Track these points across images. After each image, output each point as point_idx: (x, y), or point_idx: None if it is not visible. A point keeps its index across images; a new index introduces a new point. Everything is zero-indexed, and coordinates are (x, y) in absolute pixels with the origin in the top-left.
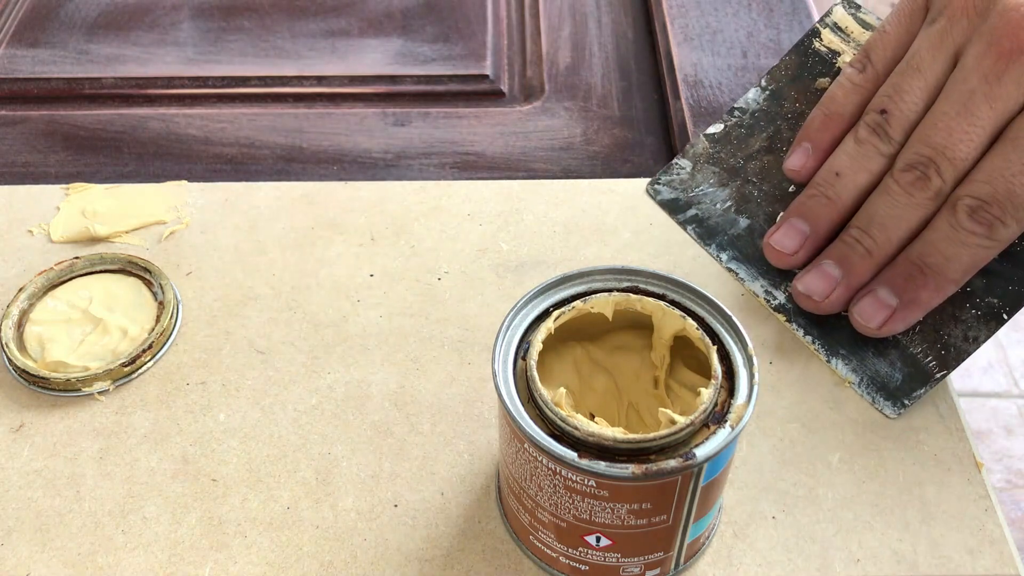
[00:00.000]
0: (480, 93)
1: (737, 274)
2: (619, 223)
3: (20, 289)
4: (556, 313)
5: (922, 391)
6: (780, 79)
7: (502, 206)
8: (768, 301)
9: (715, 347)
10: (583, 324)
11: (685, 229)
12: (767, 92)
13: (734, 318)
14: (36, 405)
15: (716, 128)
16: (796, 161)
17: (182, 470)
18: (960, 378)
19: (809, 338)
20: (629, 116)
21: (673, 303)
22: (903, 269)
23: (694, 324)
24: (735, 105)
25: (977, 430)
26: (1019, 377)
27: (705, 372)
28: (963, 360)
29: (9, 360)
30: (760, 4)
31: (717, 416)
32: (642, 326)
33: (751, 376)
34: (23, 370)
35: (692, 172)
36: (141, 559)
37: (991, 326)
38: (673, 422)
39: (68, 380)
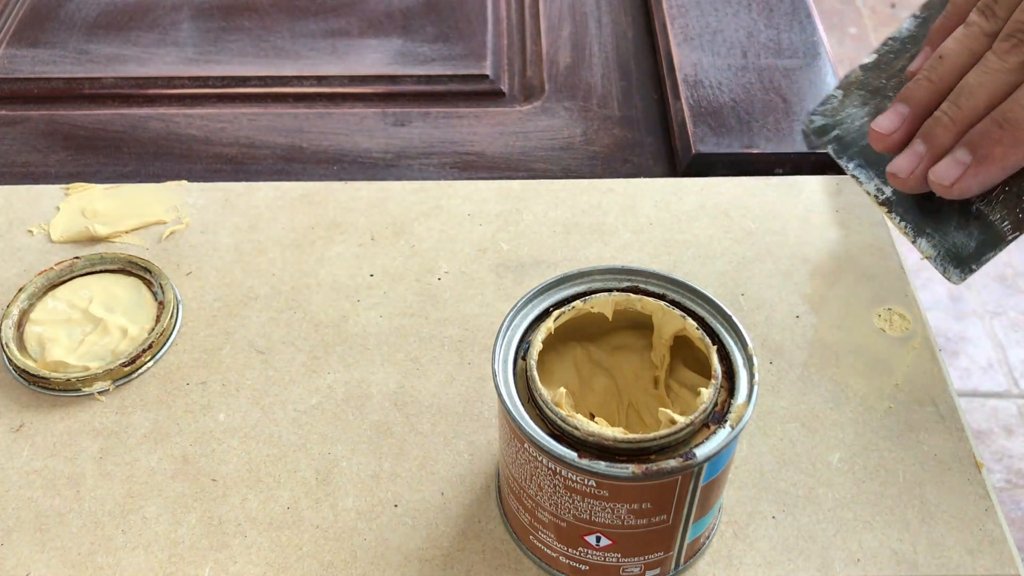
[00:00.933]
0: (480, 93)
1: (858, 178)
2: (619, 223)
3: (20, 289)
4: (556, 313)
5: (991, 253)
6: (933, 6)
7: (502, 206)
8: (877, 197)
9: (715, 347)
10: (583, 324)
11: (826, 149)
12: (919, 20)
13: (734, 318)
14: (36, 405)
15: (870, 58)
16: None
17: (182, 470)
18: (960, 378)
19: (903, 223)
20: (629, 116)
21: (673, 303)
22: (982, 127)
23: (694, 324)
24: (889, 35)
25: (977, 430)
26: (1019, 377)
27: (705, 372)
28: None
29: (9, 360)
30: (760, 4)
31: (717, 416)
32: (642, 326)
33: (751, 376)
34: (23, 370)
35: (842, 99)
36: (141, 559)
37: None
38: (673, 422)
39: (68, 380)
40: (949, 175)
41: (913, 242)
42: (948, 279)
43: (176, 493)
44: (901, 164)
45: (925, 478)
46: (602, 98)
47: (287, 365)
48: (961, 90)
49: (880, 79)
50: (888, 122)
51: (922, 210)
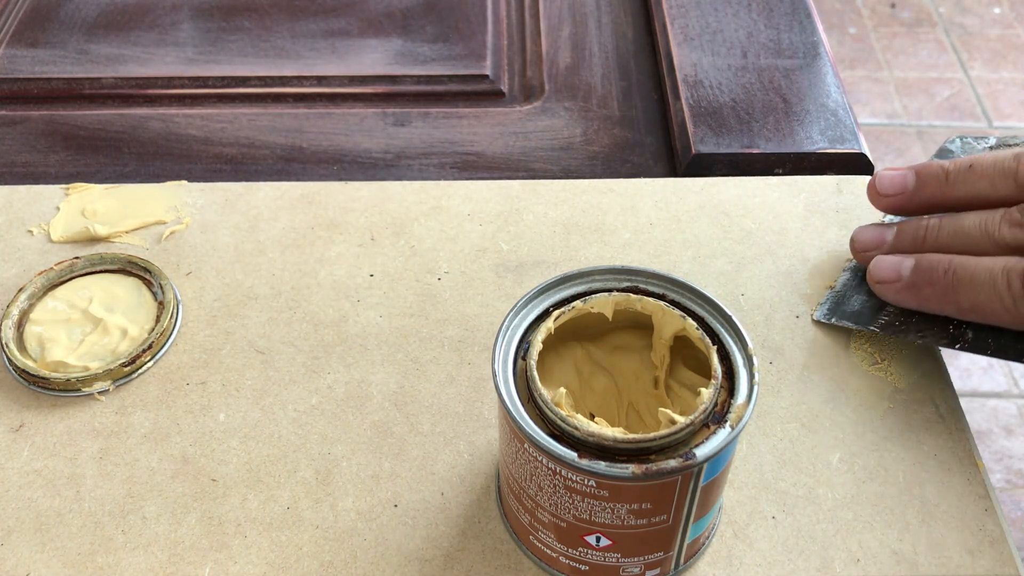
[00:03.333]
0: (480, 93)
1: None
2: (619, 223)
3: (20, 289)
4: (556, 313)
5: (851, 325)
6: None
7: (502, 206)
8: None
9: (715, 347)
10: (583, 324)
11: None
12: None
13: (734, 318)
14: (36, 405)
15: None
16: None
17: (182, 470)
18: (960, 378)
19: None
20: (629, 116)
21: (673, 303)
22: (935, 261)
23: (694, 324)
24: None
25: (977, 430)
26: (1019, 377)
27: (705, 372)
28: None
29: (9, 360)
30: (760, 4)
31: (717, 416)
32: (642, 326)
33: (751, 376)
34: (23, 370)
35: (988, 149)
36: (141, 559)
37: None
38: (673, 422)
39: (68, 380)
40: (881, 274)
41: (842, 271)
42: (813, 312)
43: (176, 493)
44: (865, 237)
45: (925, 478)
46: (602, 98)
47: (287, 365)
48: (954, 222)
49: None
50: (889, 183)
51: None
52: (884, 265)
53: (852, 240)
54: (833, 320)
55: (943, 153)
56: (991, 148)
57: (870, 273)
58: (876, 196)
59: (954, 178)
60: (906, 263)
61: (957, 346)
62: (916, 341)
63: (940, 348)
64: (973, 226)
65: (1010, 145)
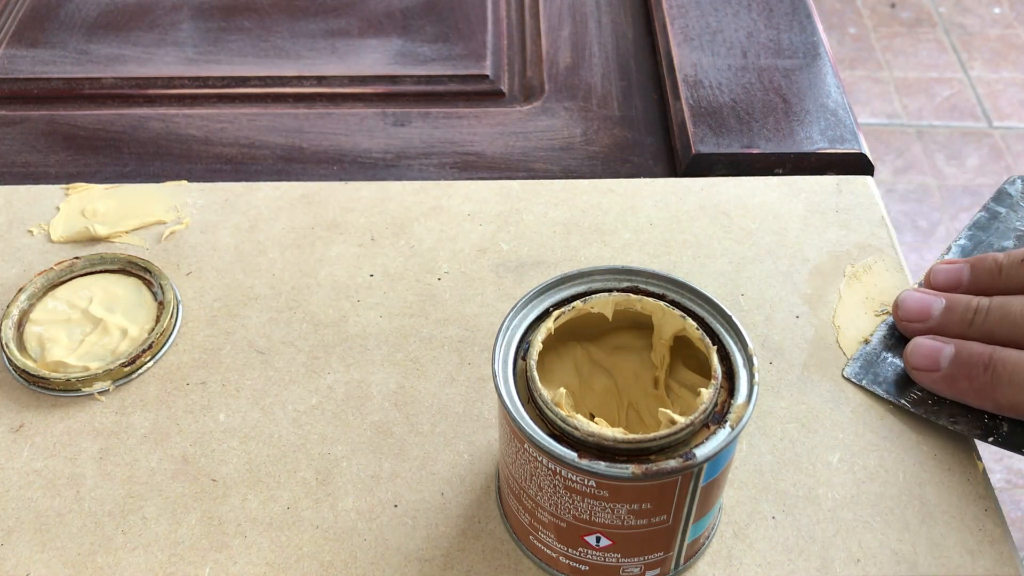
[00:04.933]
0: (480, 93)
1: (949, 248)
2: (619, 223)
3: (20, 289)
4: (556, 313)
5: (879, 394)
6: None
7: (502, 206)
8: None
9: (715, 347)
10: (583, 324)
11: (982, 211)
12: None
13: (734, 318)
14: (36, 405)
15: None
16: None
17: (182, 470)
18: None
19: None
20: (629, 116)
21: (673, 303)
22: (976, 352)
23: (694, 324)
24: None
25: None
26: None
27: (705, 372)
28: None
29: (9, 360)
30: (760, 4)
31: (717, 416)
32: (642, 326)
33: (751, 376)
34: (23, 370)
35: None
36: (141, 559)
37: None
38: (673, 422)
39: (68, 380)
40: (918, 361)
41: (881, 323)
42: (844, 367)
43: (176, 493)
44: (912, 306)
45: (925, 478)
46: (602, 98)
47: (287, 365)
48: (1003, 306)
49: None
50: (944, 278)
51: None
52: (923, 352)
53: (896, 306)
54: (864, 383)
55: (1001, 196)
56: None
57: (907, 357)
58: (930, 286)
59: (1007, 273)
60: (946, 352)
61: (990, 439)
62: (948, 427)
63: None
64: (1021, 314)
65: None
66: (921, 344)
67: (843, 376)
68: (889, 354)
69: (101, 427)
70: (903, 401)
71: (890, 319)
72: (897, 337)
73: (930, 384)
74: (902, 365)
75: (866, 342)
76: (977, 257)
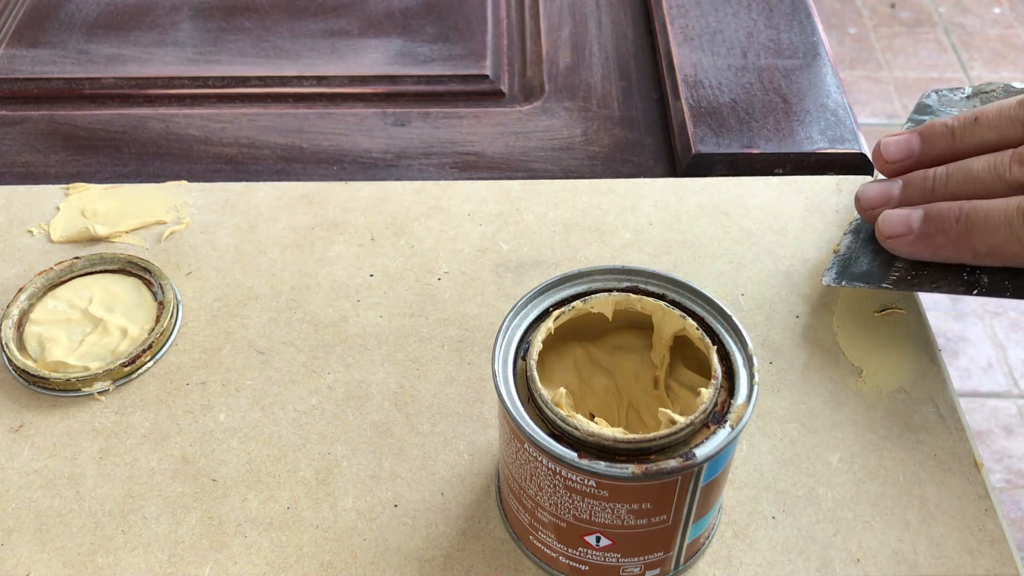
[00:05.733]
0: (480, 93)
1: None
2: (619, 223)
3: (20, 289)
4: (556, 313)
5: (861, 286)
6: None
7: (502, 206)
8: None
9: (715, 347)
10: (583, 324)
11: (906, 123)
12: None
13: (734, 318)
14: (36, 405)
15: (1020, 84)
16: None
17: (182, 470)
18: (960, 378)
19: (857, 218)
20: (629, 116)
21: (673, 303)
22: (946, 209)
23: (694, 324)
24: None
25: (977, 430)
26: (1019, 377)
27: (705, 372)
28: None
29: (9, 360)
30: (760, 4)
31: (717, 416)
32: (642, 326)
33: (751, 376)
34: (23, 370)
35: (965, 98)
36: (141, 559)
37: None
38: (673, 422)
39: (68, 380)
40: (892, 228)
41: (844, 234)
42: (822, 277)
43: (176, 493)
44: (870, 194)
45: (925, 478)
46: (602, 98)
47: (287, 365)
48: (962, 168)
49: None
50: (895, 149)
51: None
52: (893, 219)
53: (857, 198)
54: (843, 283)
55: (921, 108)
56: (967, 97)
57: (879, 229)
58: (883, 163)
59: (961, 134)
60: (915, 215)
61: (974, 292)
62: (931, 292)
63: (937, 346)
64: (982, 169)
65: (987, 92)
66: (891, 213)
67: (823, 284)
68: (860, 254)
69: (101, 427)
70: (884, 284)
71: (853, 226)
72: (863, 239)
73: (907, 248)
74: (874, 259)
75: (836, 252)
76: (925, 125)
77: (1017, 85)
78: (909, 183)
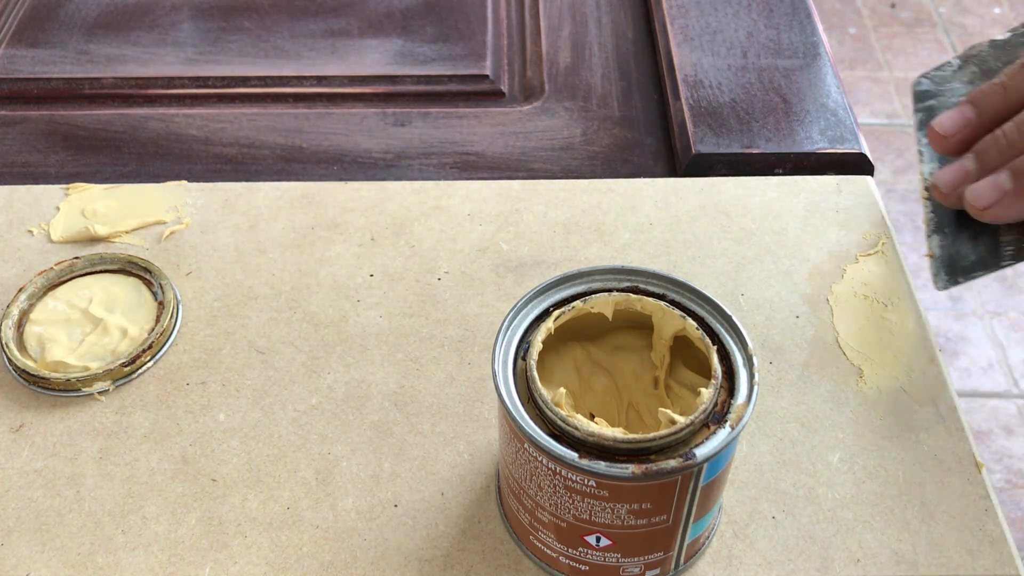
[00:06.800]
0: (480, 93)
1: (922, 154)
2: (619, 223)
3: (20, 289)
4: (556, 313)
5: (982, 273)
6: None
7: (502, 206)
8: (925, 179)
9: (715, 347)
10: (583, 324)
11: (915, 116)
12: None
13: (734, 318)
14: (36, 405)
15: (1002, 36)
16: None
17: (182, 470)
18: (960, 378)
19: (932, 215)
20: (629, 116)
21: (673, 303)
22: None
23: (694, 324)
24: None
25: (977, 430)
26: (1019, 377)
27: (705, 372)
28: None
29: (9, 360)
30: (760, 4)
31: (717, 416)
32: (642, 326)
33: (751, 376)
34: (23, 370)
35: (956, 70)
36: (141, 559)
37: None
38: (673, 422)
39: (68, 380)
40: (985, 198)
41: (928, 237)
42: (934, 284)
43: (176, 493)
44: (946, 178)
45: (925, 478)
46: (602, 98)
47: (287, 365)
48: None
49: (999, 61)
50: (950, 123)
51: (951, 208)
52: (982, 190)
53: (935, 186)
54: (961, 281)
55: (921, 96)
56: (959, 68)
57: (971, 205)
58: (942, 141)
59: (1011, 85)
60: (1001, 176)
61: None
62: None
63: (937, 346)
64: None
65: (974, 55)
66: (977, 186)
67: (940, 291)
68: (959, 247)
69: (101, 427)
70: (1004, 264)
71: (933, 227)
72: (952, 232)
73: (1007, 210)
74: (976, 245)
75: (931, 256)
76: (974, 92)
77: (999, 37)
78: (981, 151)
